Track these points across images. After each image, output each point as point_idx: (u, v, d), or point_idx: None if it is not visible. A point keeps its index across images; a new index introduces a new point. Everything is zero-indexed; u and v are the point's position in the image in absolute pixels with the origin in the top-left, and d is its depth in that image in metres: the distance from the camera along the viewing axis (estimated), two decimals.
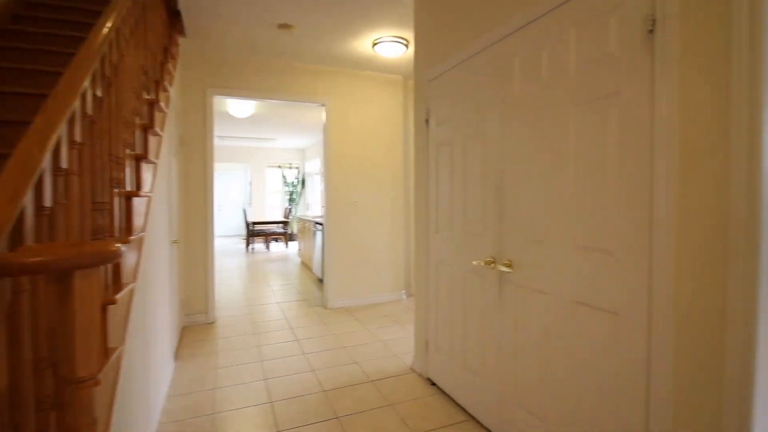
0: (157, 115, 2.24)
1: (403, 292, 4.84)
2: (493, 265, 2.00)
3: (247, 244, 9.39)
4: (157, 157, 2.21)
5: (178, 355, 3.10)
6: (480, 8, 2.12)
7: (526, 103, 1.80)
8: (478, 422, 2.15)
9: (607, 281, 1.44)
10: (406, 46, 3.70)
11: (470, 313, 2.21)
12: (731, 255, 1.11)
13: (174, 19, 3.12)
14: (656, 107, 1.25)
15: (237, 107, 6.14)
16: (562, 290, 1.62)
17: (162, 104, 2.35)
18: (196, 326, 3.79)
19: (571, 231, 1.58)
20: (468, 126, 2.21)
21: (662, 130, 1.24)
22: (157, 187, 2.25)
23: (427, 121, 2.65)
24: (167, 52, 2.81)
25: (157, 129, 2.19)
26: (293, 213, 11.49)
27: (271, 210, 12.06)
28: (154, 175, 2.14)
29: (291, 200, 11.62)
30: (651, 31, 1.26)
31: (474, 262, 2.11)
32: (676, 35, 1.19)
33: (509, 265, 1.89)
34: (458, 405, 2.33)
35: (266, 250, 9.29)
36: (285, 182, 11.71)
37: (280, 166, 12.05)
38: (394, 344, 3.32)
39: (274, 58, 4.10)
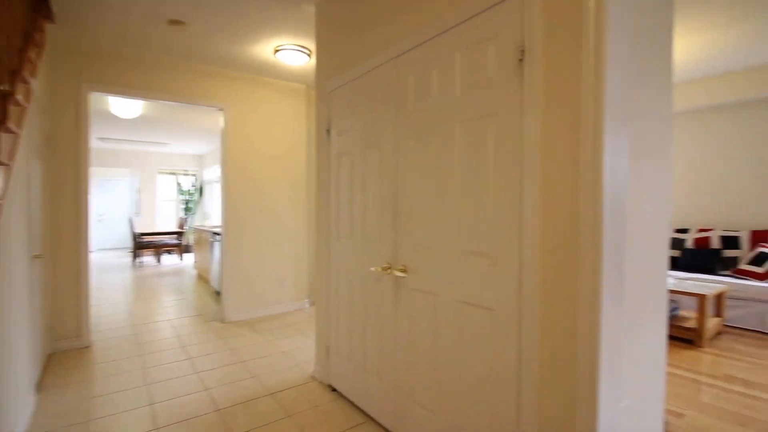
0: (13, 110, 1.94)
1: (307, 300, 4.79)
2: (389, 270, 2.10)
3: (135, 258, 8.45)
4: (11, 158, 1.91)
5: (41, 387, 2.66)
6: (377, 27, 2.23)
7: (418, 118, 1.93)
8: (376, 422, 2.21)
9: (486, 281, 1.60)
10: (309, 55, 3.71)
11: (369, 317, 2.28)
12: (581, 254, 1.31)
13: (39, 2, 2.74)
14: (525, 127, 1.44)
15: (121, 106, 5.54)
16: (449, 291, 1.76)
17: (20, 97, 2.04)
18: (67, 352, 3.30)
19: (456, 237, 1.73)
20: (367, 137, 2.30)
21: (530, 148, 1.43)
22: (11, 193, 1.94)
23: (328, 131, 2.69)
24: (29, 39, 2.45)
25: (12, 126, 1.89)
26: (189, 223, 10.65)
27: (164, 220, 11.03)
28: (7, 179, 1.84)
29: (187, 209, 10.75)
30: (521, 60, 1.46)
31: (372, 269, 2.18)
32: (540, 65, 1.40)
33: (404, 270, 2.00)
34: (358, 408, 2.37)
35: (157, 264, 8.45)
36: (180, 190, 10.80)
37: (173, 173, 11.11)
38: (296, 354, 3.26)
39: (165, 55, 3.80)
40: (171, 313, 4.54)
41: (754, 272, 4.02)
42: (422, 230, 1.91)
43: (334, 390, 2.62)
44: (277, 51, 3.63)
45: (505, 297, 1.52)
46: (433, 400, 1.86)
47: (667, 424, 2.18)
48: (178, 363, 3.09)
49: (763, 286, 3.75)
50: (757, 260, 4.06)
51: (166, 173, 11.00)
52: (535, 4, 1.40)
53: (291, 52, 3.60)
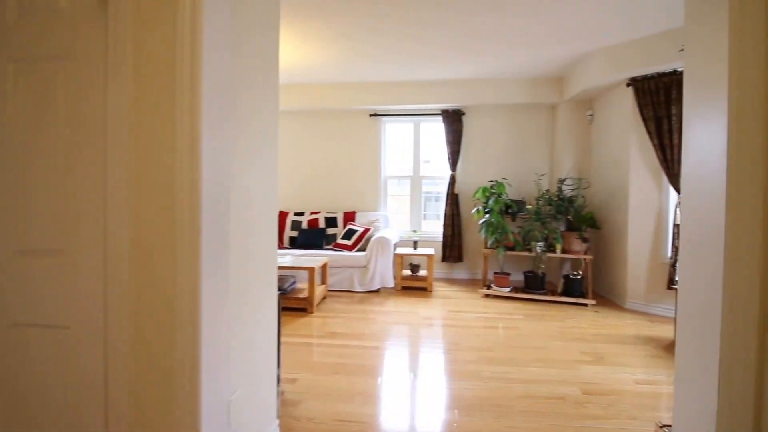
0: None
1: None
2: None
3: None
4: None
5: None
6: None
7: None
8: None
9: (58, 290, 1.20)
10: None
11: None
12: (178, 250, 1.13)
13: None
14: (110, 84, 1.15)
15: None
16: None
17: None
18: None
19: (10, 231, 1.21)
20: None
21: (115, 114, 1.15)
22: None
23: None
24: None
25: None
26: None
27: None
28: None
29: None
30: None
31: None
32: (129, 11, 1.14)
33: None
34: None
35: None
36: None
37: None
38: None
39: None
40: None
41: (345, 245, 5.27)
42: None
43: None
44: None
45: (86, 307, 1.18)
46: None
47: (282, 393, 2.44)
48: None
49: (352, 255, 4.98)
50: (347, 235, 5.35)
51: None
52: None
53: None
